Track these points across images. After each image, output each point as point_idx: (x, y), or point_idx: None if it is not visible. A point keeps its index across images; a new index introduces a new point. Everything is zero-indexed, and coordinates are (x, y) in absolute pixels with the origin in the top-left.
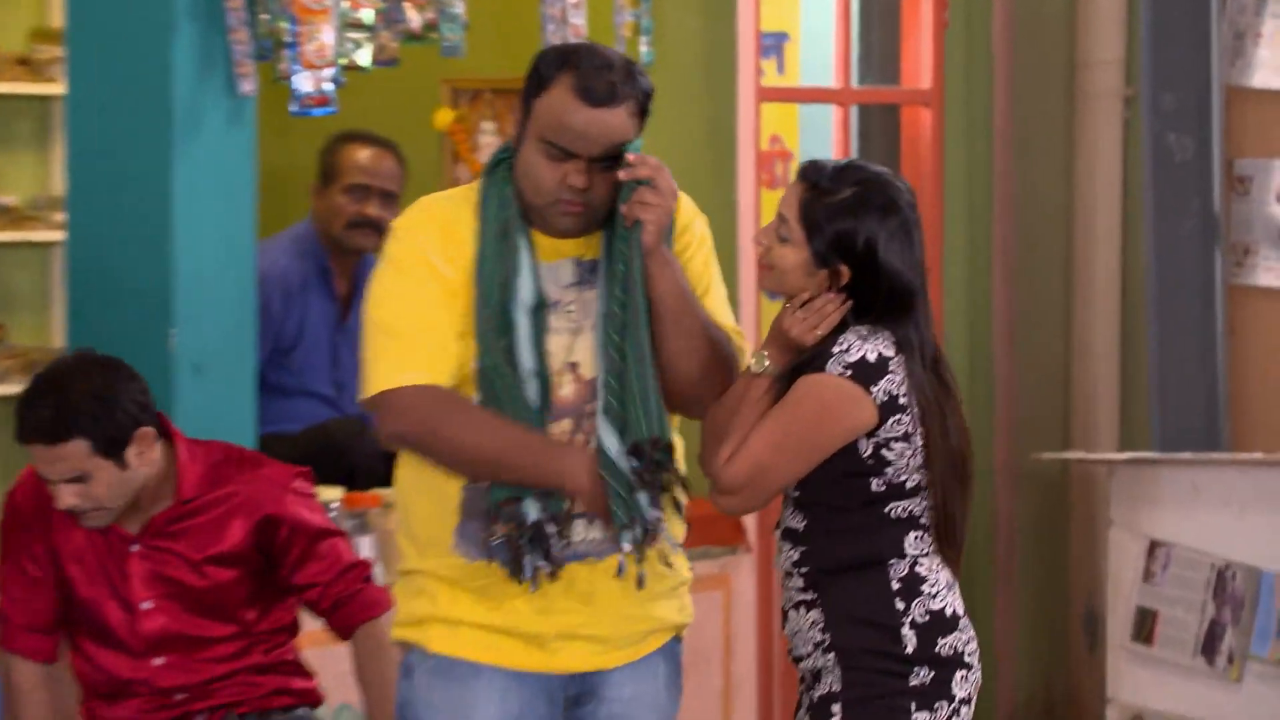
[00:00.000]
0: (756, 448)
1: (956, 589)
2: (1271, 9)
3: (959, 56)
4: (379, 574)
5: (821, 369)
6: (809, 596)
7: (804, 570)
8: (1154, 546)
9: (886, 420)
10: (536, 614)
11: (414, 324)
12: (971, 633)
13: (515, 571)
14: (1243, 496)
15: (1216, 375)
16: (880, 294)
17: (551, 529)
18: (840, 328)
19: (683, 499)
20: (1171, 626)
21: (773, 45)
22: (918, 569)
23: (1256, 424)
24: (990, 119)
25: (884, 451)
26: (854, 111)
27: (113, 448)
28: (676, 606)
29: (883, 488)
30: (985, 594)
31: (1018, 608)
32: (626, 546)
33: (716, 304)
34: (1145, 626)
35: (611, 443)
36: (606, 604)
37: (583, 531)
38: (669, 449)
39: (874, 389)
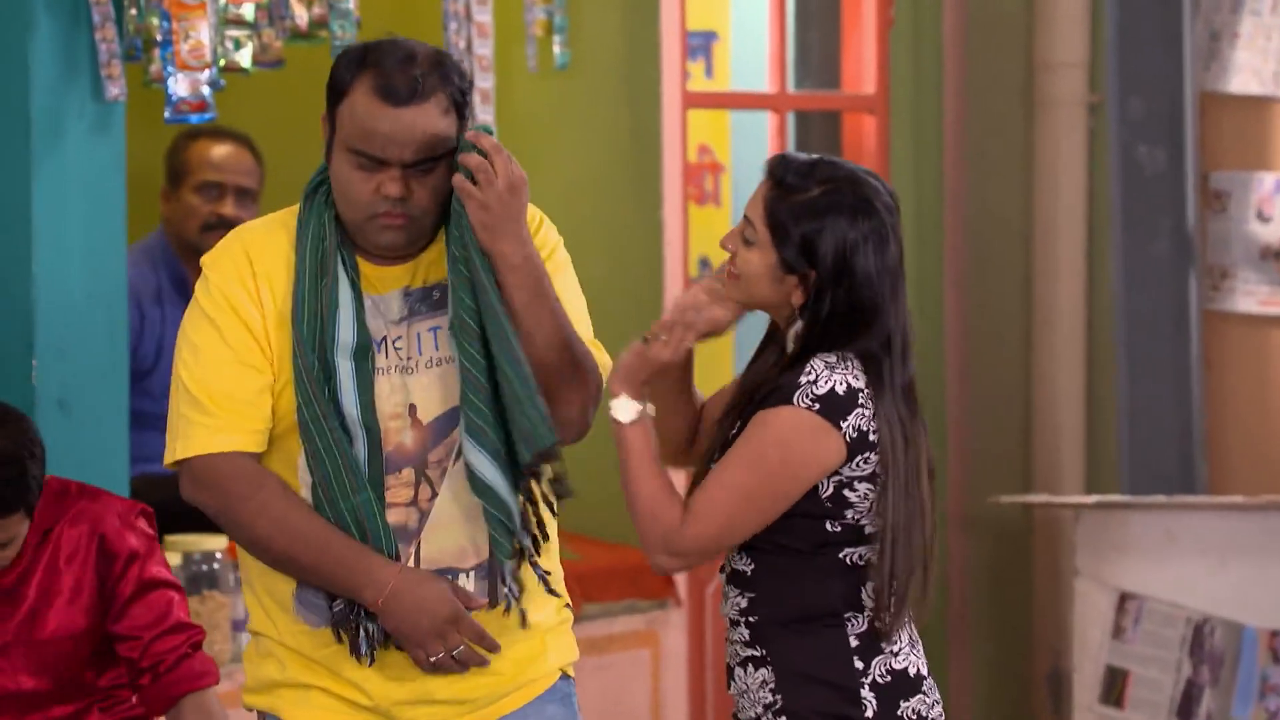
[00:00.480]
0: (721, 503)
1: (920, 646)
2: (1250, 6)
3: (906, 58)
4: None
5: (787, 401)
6: (757, 652)
7: (752, 619)
8: (1124, 599)
9: (854, 458)
10: (387, 681)
11: (218, 387)
12: (936, 695)
13: (353, 647)
14: (1221, 544)
15: (1192, 411)
16: (850, 305)
17: None
18: (804, 353)
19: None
20: (1144, 687)
21: (700, 45)
22: (877, 625)
23: (1236, 464)
24: (940, 128)
25: (846, 492)
26: (790, 119)
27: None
28: (556, 644)
29: (837, 529)
30: (938, 653)
31: (975, 667)
32: (508, 570)
33: (572, 316)
34: (1115, 687)
35: (486, 468)
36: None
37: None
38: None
39: (844, 424)
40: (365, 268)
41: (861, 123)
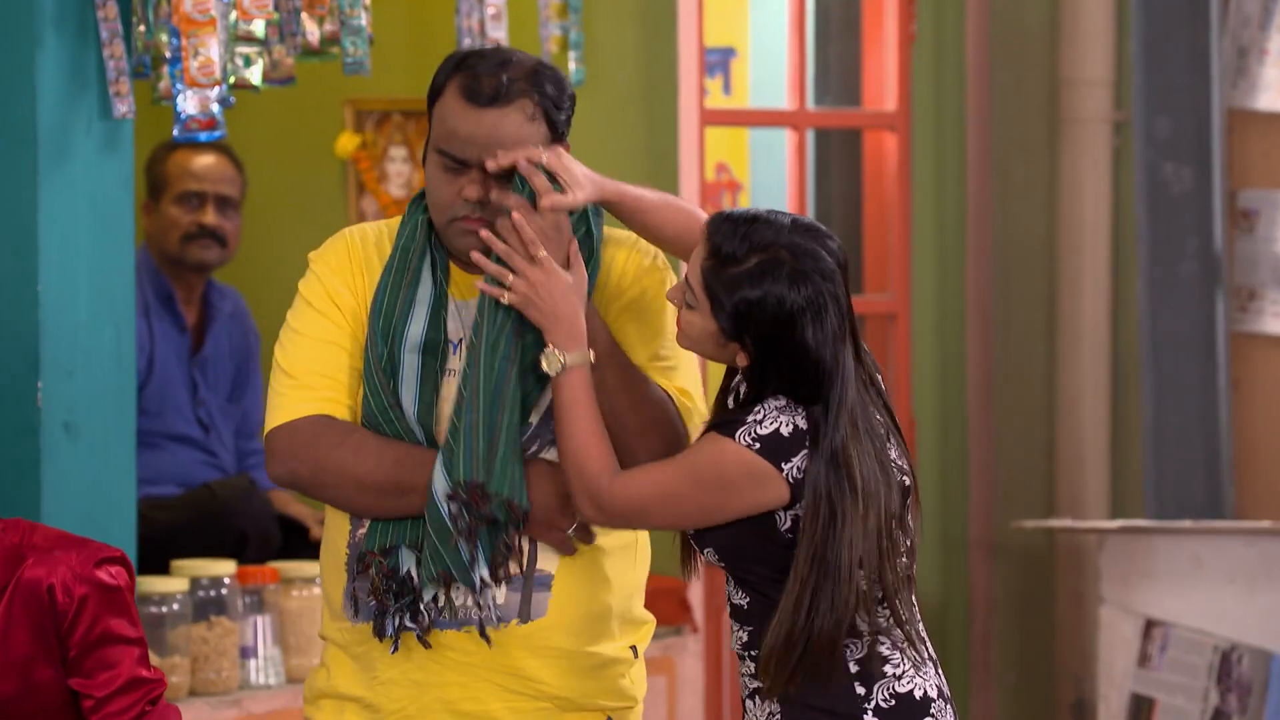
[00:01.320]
0: (649, 487)
1: (930, 667)
2: (1279, 22)
3: (928, 74)
4: (276, 659)
5: (731, 435)
6: (761, 684)
7: (754, 653)
8: (1150, 626)
9: (800, 499)
10: (411, 686)
11: (309, 365)
12: (951, 716)
13: (377, 629)
14: (1249, 570)
15: (1219, 433)
16: (792, 371)
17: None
18: (756, 395)
19: (514, 567)
20: (1170, 717)
21: (718, 62)
22: (879, 648)
23: (1264, 488)
24: (963, 145)
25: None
26: (810, 136)
27: None
28: (604, 686)
29: None
30: (960, 680)
31: (998, 696)
32: (426, 596)
33: (657, 366)
34: (1141, 717)
35: (438, 484)
36: (487, 673)
37: (464, 595)
38: (506, 506)
39: (785, 466)
40: (456, 273)
41: (882, 140)
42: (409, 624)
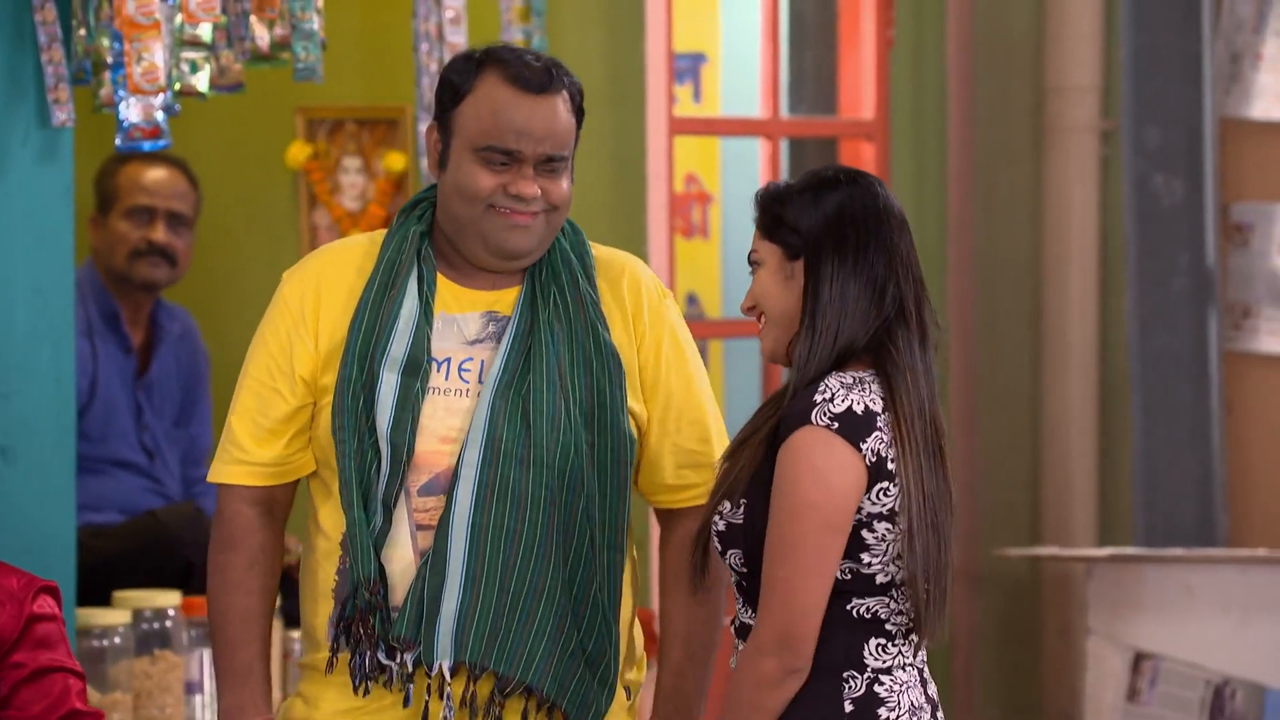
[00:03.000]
0: (780, 580)
1: (925, 711)
2: (1274, 26)
3: (906, 81)
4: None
5: (804, 421)
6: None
7: None
8: (1139, 659)
9: (873, 488)
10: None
11: (245, 411)
12: None
13: (355, 670)
14: (1243, 601)
15: (1211, 458)
16: (853, 292)
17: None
18: (807, 355)
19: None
20: None
21: (688, 68)
22: (876, 688)
23: (1258, 515)
24: (944, 155)
25: (864, 533)
26: (784, 146)
27: None
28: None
29: (848, 577)
30: (944, 715)
31: None
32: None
33: (701, 401)
34: None
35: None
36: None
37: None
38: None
39: (864, 446)
40: (444, 286)
41: (859, 150)
42: (384, 659)
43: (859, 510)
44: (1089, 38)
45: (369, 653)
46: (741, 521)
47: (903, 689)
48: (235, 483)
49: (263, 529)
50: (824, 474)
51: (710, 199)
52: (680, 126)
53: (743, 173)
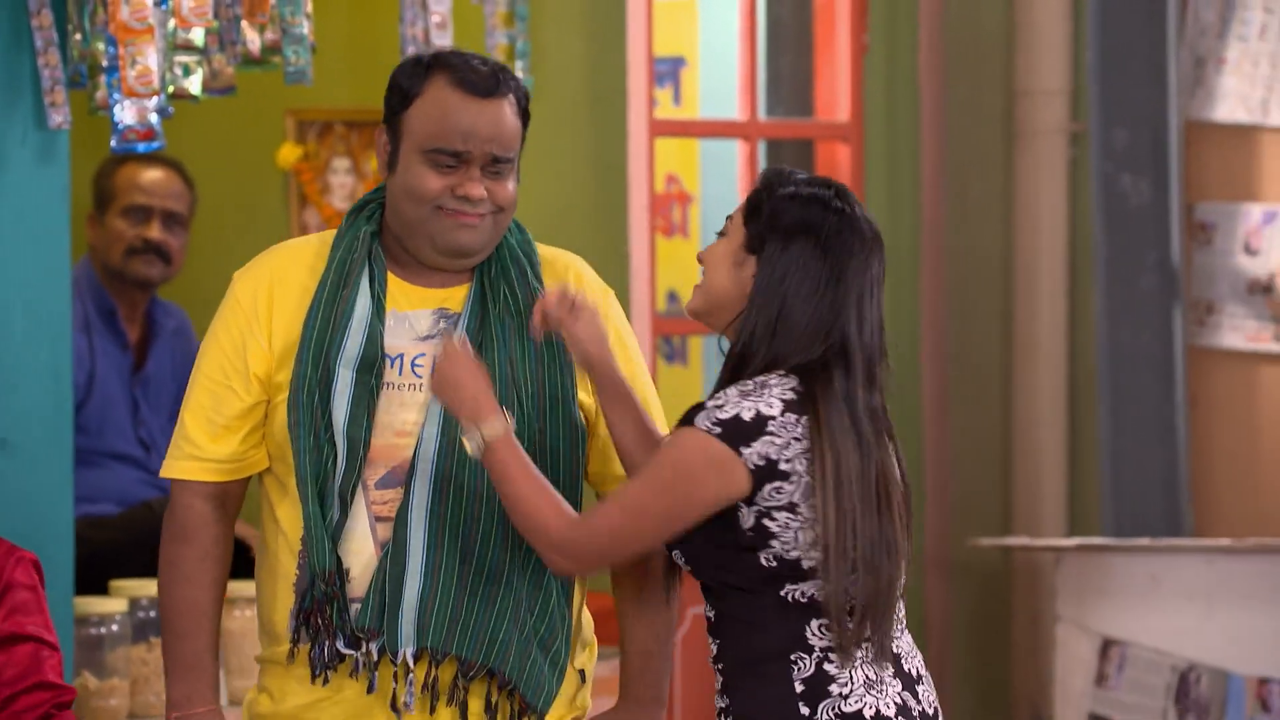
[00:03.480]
0: (612, 515)
1: (888, 686)
2: (1237, 31)
3: (880, 85)
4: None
5: (690, 423)
6: (723, 702)
7: (719, 667)
8: (1107, 646)
9: (763, 487)
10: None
11: (198, 407)
12: None
13: (315, 660)
14: (1208, 589)
15: (1177, 450)
16: (795, 305)
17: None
18: (730, 378)
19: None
20: None
21: (668, 72)
22: (826, 666)
23: (1222, 506)
24: (917, 157)
25: (766, 522)
26: (761, 147)
27: None
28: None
29: (773, 564)
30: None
31: (953, 717)
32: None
33: (647, 395)
34: None
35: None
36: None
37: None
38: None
39: (746, 451)
40: (395, 285)
41: (835, 151)
42: (344, 648)
43: (754, 504)
44: (1057, 43)
45: (328, 643)
46: None
47: (856, 665)
48: (190, 478)
49: (215, 523)
50: (690, 475)
51: (690, 199)
52: (661, 128)
53: (721, 173)
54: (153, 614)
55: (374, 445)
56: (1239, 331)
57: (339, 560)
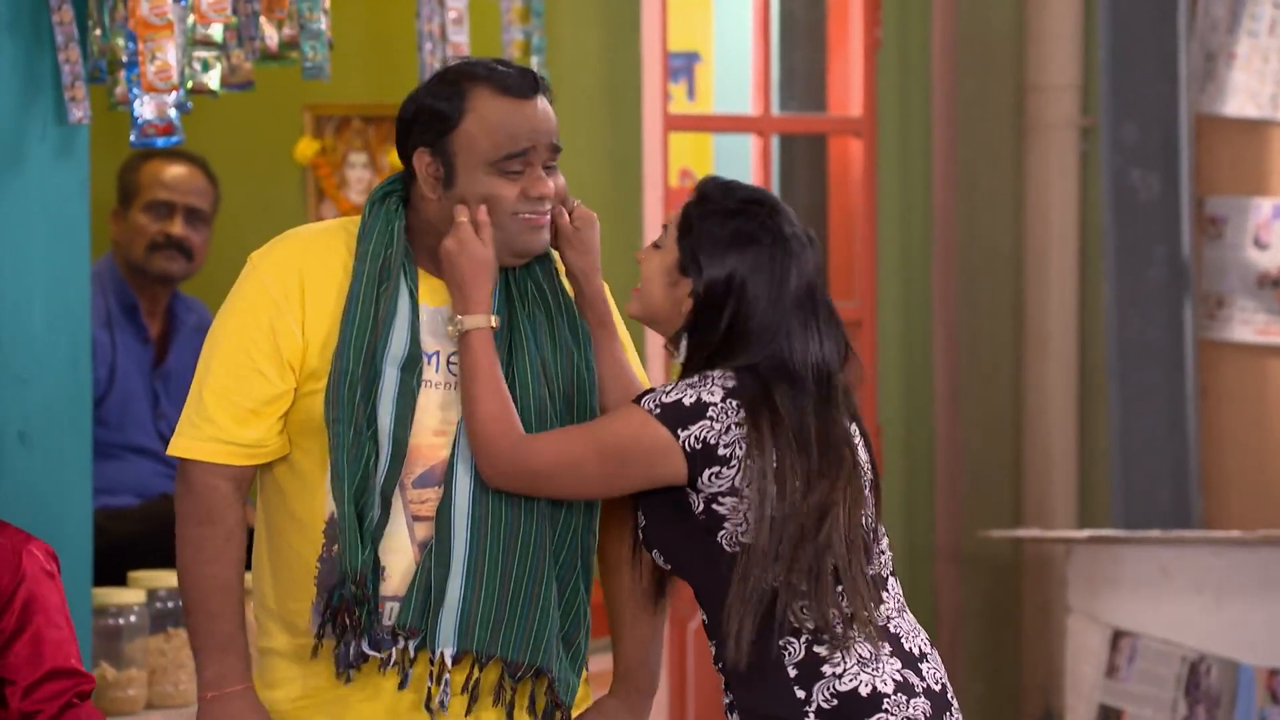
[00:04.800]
0: (551, 453)
1: (884, 663)
2: (1247, 26)
3: (893, 80)
4: None
5: (636, 401)
6: (727, 699)
7: (720, 666)
8: (1118, 637)
9: (701, 471)
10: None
11: (223, 390)
12: (911, 710)
13: (340, 658)
14: (1218, 580)
15: (1187, 442)
16: (736, 318)
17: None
18: (688, 361)
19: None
20: None
21: (682, 67)
22: (816, 649)
23: (1232, 498)
24: (929, 151)
25: (715, 507)
26: (775, 142)
27: None
28: None
29: (737, 549)
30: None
31: (964, 707)
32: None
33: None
34: None
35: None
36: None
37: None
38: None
39: (683, 434)
40: (425, 279)
41: (848, 146)
42: (368, 650)
43: (698, 489)
44: (1068, 37)
45: (354, 642)
46: (645, 522)
47: (847, 645)
48: (216, 460)
49: (237, 504)
50: (627, 450)
51: None
52: (675, 123)
53: (735, 168)
54: (170, 604)
55: (411, 444)
56: (1249, 325)
57: (376, 562)
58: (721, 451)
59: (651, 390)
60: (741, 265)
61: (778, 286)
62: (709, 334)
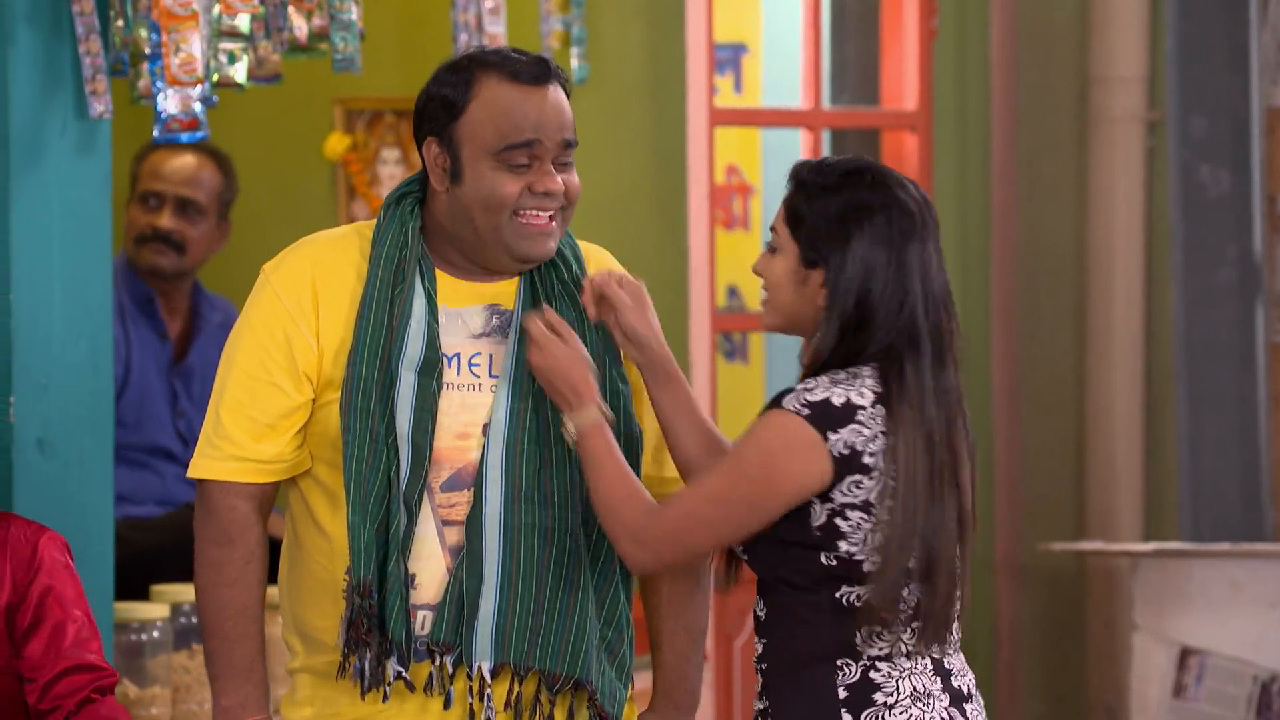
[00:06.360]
0: (688, 502)
1: (935, 700)
2: None
3: (950, 72)
4: None
5: (778, 405)
6: (762, 704)
7: (763, 667)
8: (1185, 655)
9: (843, 479)
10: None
11: (239, 407)
12: None
13: (359, 675)
14: None
15: (1258, 450)
16: (866, 291)
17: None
18: (820, 365)
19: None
20: None
21: (729, 59)
22: (872, 674)
23: None
24: (987, 146)
25: (838, 521)
26: (826, 137)
27: None
28: None
29: (833, 563)
30: (985, 711)
31: None
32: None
33: None
34: None
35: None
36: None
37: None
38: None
39: (833, 437)
40: (443, 280)
41: (902, 141)
42: (396, 667)
43: (829, 500)
44: (1134, 27)
45: (371, 659)
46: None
47: (904, 675)
48: (234, 479)
49: (258, 524)
50: (774, 459)
51: (751, 190)
52: (721, 117)
53: (784, 164)
54: (195, 620)
55: (436, 448)
56: None
57: (380, 574)
58: (867, 460)
59: (789, 391)
60: (860, 239)
61: (899, 252)
62: (843, 316)
